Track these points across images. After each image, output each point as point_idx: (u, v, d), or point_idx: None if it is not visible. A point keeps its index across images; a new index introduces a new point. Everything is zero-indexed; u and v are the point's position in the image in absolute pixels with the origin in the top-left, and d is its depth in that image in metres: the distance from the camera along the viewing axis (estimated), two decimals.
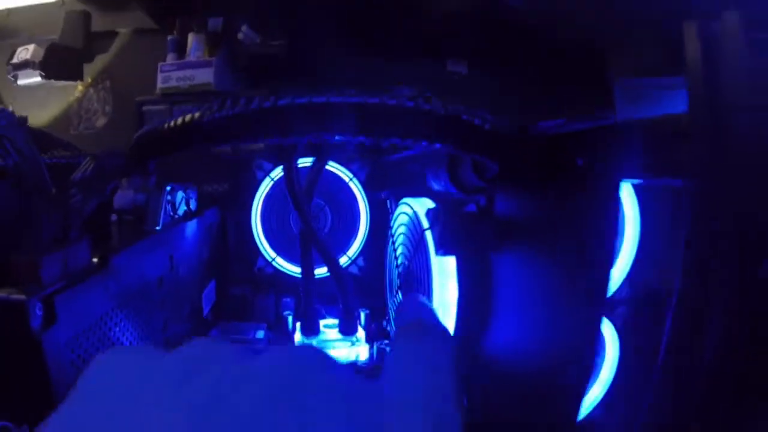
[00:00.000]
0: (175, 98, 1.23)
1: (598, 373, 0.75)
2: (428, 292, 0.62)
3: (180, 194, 0.74)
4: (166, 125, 0.42)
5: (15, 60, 1.35)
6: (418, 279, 0.64)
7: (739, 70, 0.45)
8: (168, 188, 0.71)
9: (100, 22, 1.43)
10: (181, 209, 0.76)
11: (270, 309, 0.92)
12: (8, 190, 0.50)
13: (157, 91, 1.23)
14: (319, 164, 0.69)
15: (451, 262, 0.58)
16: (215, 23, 1.26)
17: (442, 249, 0.58)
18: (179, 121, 0.40)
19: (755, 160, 0.41)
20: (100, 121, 1.44)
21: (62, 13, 1.42)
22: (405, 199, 0.70)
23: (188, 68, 1.21)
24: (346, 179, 0.90)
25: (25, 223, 0.49)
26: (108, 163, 0.53)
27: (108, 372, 0.21)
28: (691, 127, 0.45)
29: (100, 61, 1.44)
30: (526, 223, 0.49)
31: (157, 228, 0.69)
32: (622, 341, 0.74)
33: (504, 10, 1.21)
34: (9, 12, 1.46)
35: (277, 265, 0.91)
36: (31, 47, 1.36)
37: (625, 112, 1.20)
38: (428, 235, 0.61)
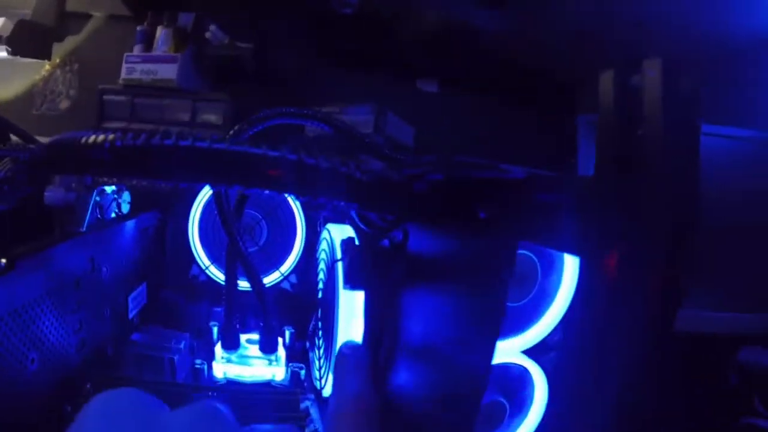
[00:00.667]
0: (137, 90, 1.25)
1: (525, 415, 0.77)
2: (335, 324, 0.64)
3: (110, 197, 0.77)
4: (78, 140, 0.44)
5: None
6: (331, 309, 0.67)
7: (658, 130, 0.47)
8: (97, 190, 0.73)
9: (75, 3, 1.45)
10: (113, 212, 0.78)
11: (201, 317, 0.94)
12: None
13: (120, 81, 1.26)
14: None
15: (359, 296, 0.61)
16: (186, 19, 1.28)
17: (350, 283, 0.61)
18: (84, 140, 0.42)
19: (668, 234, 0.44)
20: (64, 104, 1.46)
21: None
22: (329, 225, 0.73)
23: (153, 62, 1.23)
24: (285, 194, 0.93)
25: None
26: (27, 168, 0.56)
27: (105, 415, 0.23)
28: (594, 197, 0.48)
29: (71, 42, 1.46)
30: (433, 265, 0.52)
31: (82, 230, 0.71)
32: (552, 385, 0.77)
33: (476, 34, 1.25)
34: None
35: (210, 274, 0.93)
36: (1, 21, 1.38)
37: (587, 148, 1.24)
38: (339, 266, 0.64)
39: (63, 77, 1.47)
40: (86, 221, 0.72)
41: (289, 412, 0.71)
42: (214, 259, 0.93)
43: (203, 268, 0.93)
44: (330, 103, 1.14)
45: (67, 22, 1.46)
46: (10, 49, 1.35)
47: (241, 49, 1.23)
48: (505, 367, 0.72)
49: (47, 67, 1.47)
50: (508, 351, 0.70)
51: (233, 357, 0.80)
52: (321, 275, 0.75)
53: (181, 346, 0.82)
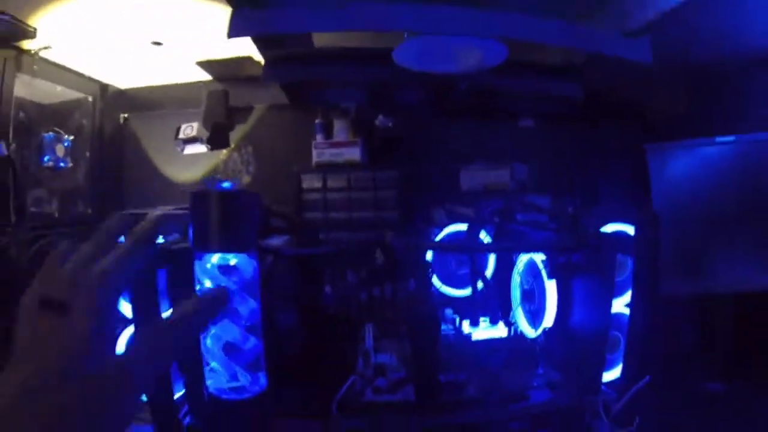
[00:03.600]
0: (326, 168, 1.95)
1: None
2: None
3: None
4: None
5: (182, 135, 2.01)
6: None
7: None
8: None
9: (236, 99, 2.09)
10: None
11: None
12: None
13: (314, 164, 1.95)
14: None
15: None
16: (349, 107, 1.97)
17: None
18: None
19: None
20: (245, 179, 2.14)
21: (198, 91, 2.04)
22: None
23: (338, 147, 1.93)
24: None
25: None
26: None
27: None
28: None
29: (240, 131, 2.11)
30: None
31: None
32: None
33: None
34: (163, 88, 2.11)
35: (443, 291, 1.68)
36: (195, 125, 2.02)
37: (658, 176, 1.90)
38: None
39: (240, 158, 2.14)
40: None
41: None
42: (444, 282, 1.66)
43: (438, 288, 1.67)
44: (474, 159, 1.86)
45: (233, 115, 2.12)
46: (209, 147, 2.02)
47: (402, 128, 1.94)
48: (618, 315, 1.45)
49: (224, 152, 2.14)
50: (618, 305, 1.44)
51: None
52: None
53: None
